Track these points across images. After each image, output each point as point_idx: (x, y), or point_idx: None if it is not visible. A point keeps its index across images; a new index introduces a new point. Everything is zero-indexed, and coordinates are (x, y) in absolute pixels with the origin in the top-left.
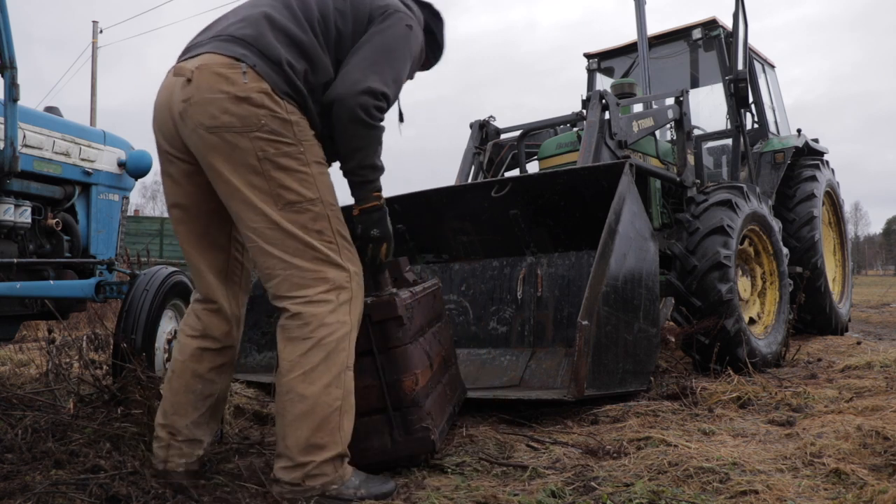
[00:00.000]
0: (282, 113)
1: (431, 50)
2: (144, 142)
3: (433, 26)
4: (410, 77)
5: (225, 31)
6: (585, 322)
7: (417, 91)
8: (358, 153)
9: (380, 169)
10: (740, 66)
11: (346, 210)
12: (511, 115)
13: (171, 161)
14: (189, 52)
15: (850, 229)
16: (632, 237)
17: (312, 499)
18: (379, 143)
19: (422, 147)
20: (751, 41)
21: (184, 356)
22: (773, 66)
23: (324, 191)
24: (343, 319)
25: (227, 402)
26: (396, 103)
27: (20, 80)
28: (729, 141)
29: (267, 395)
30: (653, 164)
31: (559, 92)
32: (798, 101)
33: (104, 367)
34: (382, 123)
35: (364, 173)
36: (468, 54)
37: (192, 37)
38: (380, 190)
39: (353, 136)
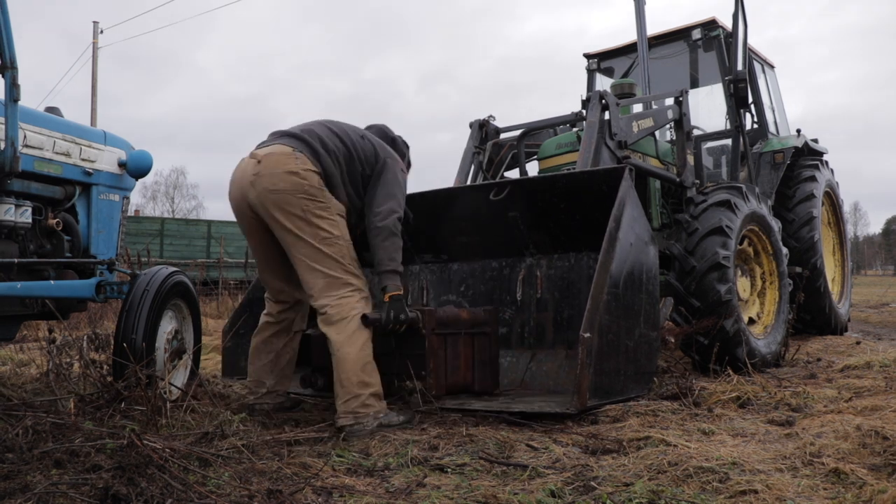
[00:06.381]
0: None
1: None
2: (156, 144)
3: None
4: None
5: (287, 132)
6: (588, 335)
7: (450, 95)
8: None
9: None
10: (740, 67)
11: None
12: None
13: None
14: (261, 144)
15: (850, 229)
16: (632, 243)
17: (368, 424)
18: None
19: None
20: (754, 43)
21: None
22: (772, 67)
23: (344, 231)
24: (361, 307)
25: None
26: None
27: (20, 80)
28: (729, 141)
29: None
30: (652, 164)
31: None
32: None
33: (104, 367)
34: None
35: (395, 266)
36: (509, 58)
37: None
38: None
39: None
